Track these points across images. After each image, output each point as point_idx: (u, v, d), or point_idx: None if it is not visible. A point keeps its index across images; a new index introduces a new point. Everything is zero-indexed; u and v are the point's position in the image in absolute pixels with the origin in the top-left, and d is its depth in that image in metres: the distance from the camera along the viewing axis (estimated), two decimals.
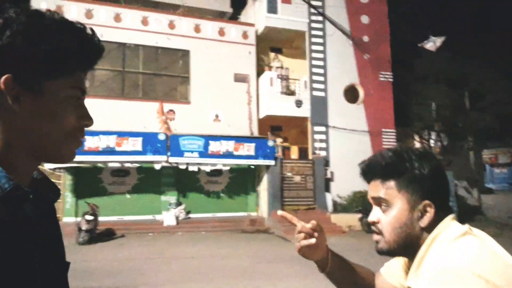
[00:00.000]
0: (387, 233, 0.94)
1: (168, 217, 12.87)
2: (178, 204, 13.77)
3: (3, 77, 0.64)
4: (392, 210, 0.94)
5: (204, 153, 13.28)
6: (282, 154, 14.73)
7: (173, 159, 12.88)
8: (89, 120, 0.74)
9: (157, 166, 12.89)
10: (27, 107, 0.66)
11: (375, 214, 0.98)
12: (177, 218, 12.99)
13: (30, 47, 0.65)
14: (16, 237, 0.64)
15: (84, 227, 10.15)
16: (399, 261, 1.07)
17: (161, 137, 12.77)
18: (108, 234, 11.46)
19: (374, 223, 0.98)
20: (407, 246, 0.93)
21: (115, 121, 12.82)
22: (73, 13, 13.30)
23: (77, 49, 0.70)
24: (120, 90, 14.03)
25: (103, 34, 13.44)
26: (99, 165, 12.94)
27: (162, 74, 14.54)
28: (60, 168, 12.84)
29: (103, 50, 0.75)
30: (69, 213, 13.13)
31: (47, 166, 12.66)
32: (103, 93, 13.53)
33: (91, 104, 11.58)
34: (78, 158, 12.12)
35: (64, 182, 13.73)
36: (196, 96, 14.45)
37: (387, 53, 16.69)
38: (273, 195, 13.75)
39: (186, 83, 14.64)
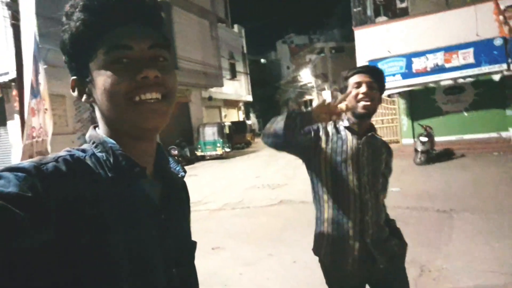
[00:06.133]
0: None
1: None
2: None
3: (70, 82, 0.70)
4: None
5: None
6: None
7: None
8: (144, 71, 0.64)
9: (496, 77, 11.13)
10: (92, 94, 0.68)
11: None
12: None
13: (66, 40, 0.66)
14: (131, 213, 0.65)
15: (420, 148, 10.43)
16: None
17: (497, 42, 10.81)
18: (446, 154, 11.24)
19: None
20: None
21: (441, 37, 11.92)
22: None
23: (95, 14, 0.64)
24: (444, 1, 12.76)
25: None
26: (431, 85, 12.56)
27: None
28: (393, 94, 13.52)
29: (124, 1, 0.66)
30: (406, 135, 13.79)
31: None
32: (426, 10, 12.74)
33: (414, 24, 11.35)
34: (408, 81, 12.37)
35: (399, 106, 14.40)
36: None
37: None
38: None
39: None
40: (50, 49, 11.45)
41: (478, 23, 11.59)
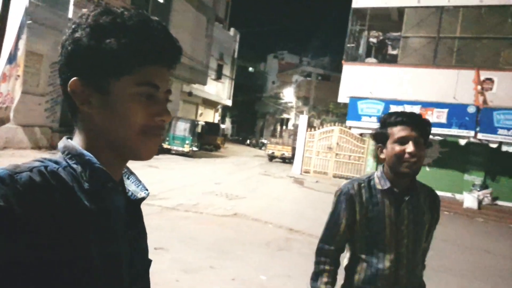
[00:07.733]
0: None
1: (470, 199, 11.61)
2: (484, 187, 12.12)
3: (70, 81, 0.66)
4: None
5: None
6: None
7: (482, 136, 11.32)
8: (164, 116, 0.70)
9: (462, 142, 11.71)
10: (97, 108, 0.67)
11: None
12: (480, 202, 11.52)
13: (91, 47, 0.65)
14: (106, 227, 0.66)
15: None
16: None
17: (471, 109, 11.40)
18: None
19: None
20: None
21: (421, 91, 12.46)
22: None
23: (138, 46, 0.66)
24: (432, 58, 13.34)
25: (420, 0, 13.03)
26: None
27: (483, 38, 12.67)
28: (365, 134, 13.91)
29: (172, 46, 0.71)
30: None
31: (354, 131, 14.01)
32: (413, 62, 13.30)
33: (400, 72, 11.74)
34: None
35: (368, 146, 14.82)
36: None
37: None
38: None
39: None
40: (38, 5, 11.03)
41: (458, 87, 12.19)
